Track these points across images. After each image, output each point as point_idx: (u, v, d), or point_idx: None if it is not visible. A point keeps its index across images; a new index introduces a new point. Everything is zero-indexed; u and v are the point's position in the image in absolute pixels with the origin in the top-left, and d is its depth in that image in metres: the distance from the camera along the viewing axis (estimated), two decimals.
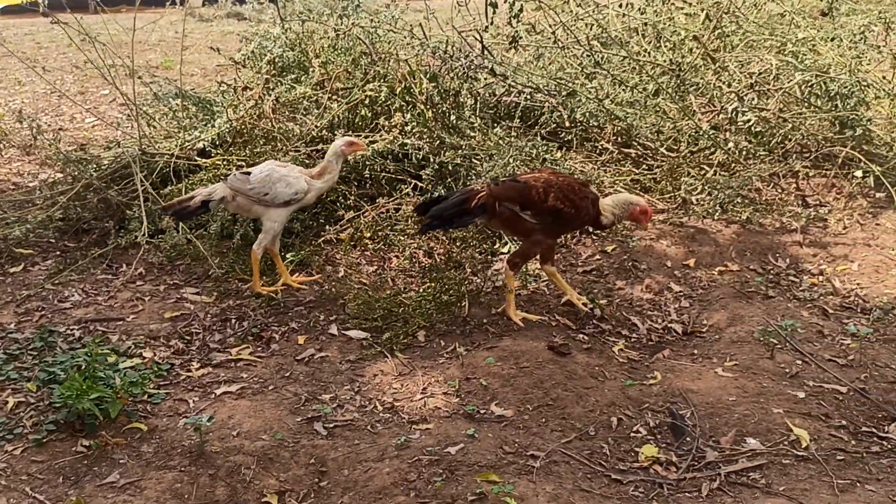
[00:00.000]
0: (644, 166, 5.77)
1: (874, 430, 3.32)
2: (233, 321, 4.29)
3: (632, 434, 3.33)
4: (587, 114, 5.71)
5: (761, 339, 3.82)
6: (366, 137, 5.19)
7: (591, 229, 4.66)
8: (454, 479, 2.97)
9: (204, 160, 5.26)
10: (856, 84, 5.51)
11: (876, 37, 6.32)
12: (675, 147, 5.77)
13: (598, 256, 4.97)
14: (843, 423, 3.35)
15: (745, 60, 5.86)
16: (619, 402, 3.49)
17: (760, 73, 5.63)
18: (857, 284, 4.64)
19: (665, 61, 5.93)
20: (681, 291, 4.62)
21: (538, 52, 5.60)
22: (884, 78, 6.16)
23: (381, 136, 5.10)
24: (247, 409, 3.41)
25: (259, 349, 4.02)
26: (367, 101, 5.35)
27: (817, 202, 5.76)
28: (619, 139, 5.91)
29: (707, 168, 5.62)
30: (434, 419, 3.38)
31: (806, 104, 5.81)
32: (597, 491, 2.96)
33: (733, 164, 5.58)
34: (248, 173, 4.40)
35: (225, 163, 5.18)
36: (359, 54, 5.77)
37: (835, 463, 3.08)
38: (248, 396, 3.56)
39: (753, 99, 5.49)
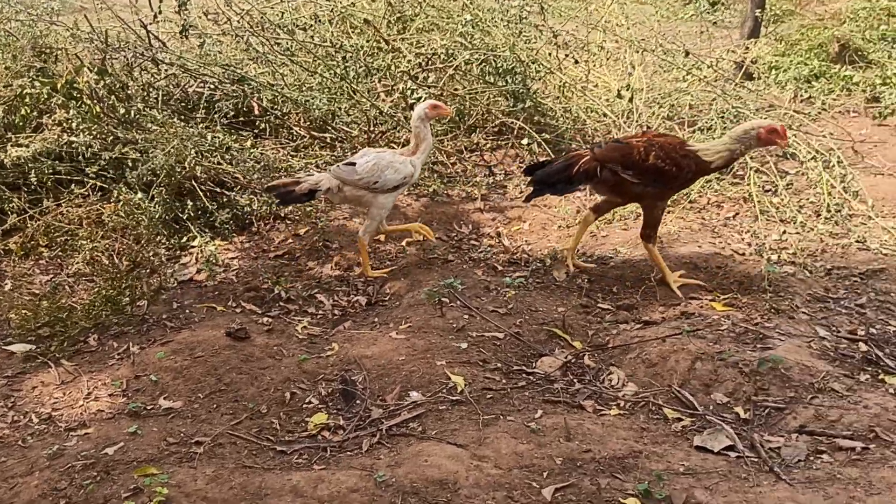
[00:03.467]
0: (339, 149, 5.90)
1: (524, 367, 3.66)
2: None
3: (304, 406, 3.39)
4: (275, 101, 5.72)
5: (429, 300, 4.05)
6: (26, 138, 4.81)
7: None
8: (109, 479, 2.85)
9: None
10: (518, 61, 6.00)
11: (543, 18, 6.95)
12: (369, 129, 5.96)
13: (290, 240, 5.00)
14: (499, 365, 3.66)
15: (418, 42, 6.16)
16: (294, 378, 3.54)
17: (435, 54, 5.95)
18: (525, 241, 5.08)
19: (352, 46, 6.09)
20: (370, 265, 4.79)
21: (202, 39, 5.50)
22: (549, 54, 6.78)
23: (42, 135, 4.76)
24: None
25: None
26: (27, 100, 4.95)
27: (502, 171, 6.22)
28: (314, 124, 5.99)
29: (395, 146, 5.85)
30: (95, 423, 3.23)
31: (481, 81, 6.24)
32: (260, 465, 2.98)
33: None
34: (353, 164, 4.40)
35: None
36: (18, 49, 5.33)
37: (484, 402, 3.35)
38: None
39: (428, 78, 5.79)
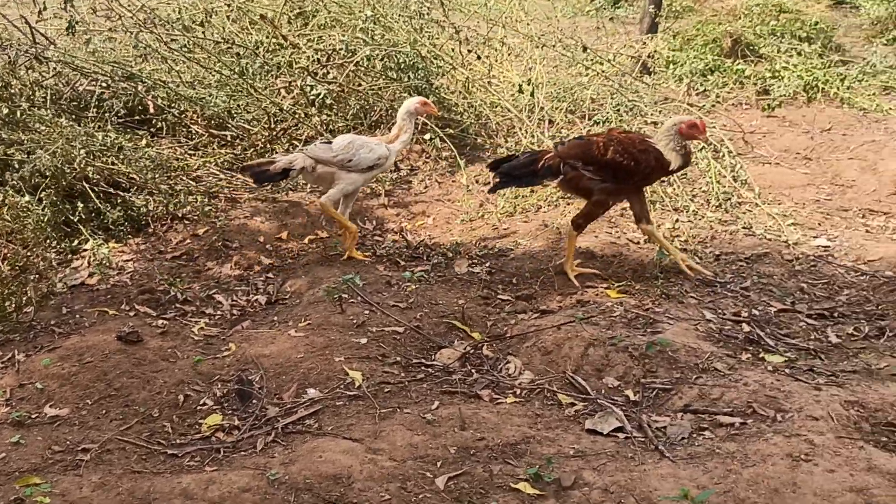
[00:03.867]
0: (239, 147, 5.80)
1: (423, 360, 3.68)
2: None
3: (198, 408, 3.34)
4: (171, 99, 5.59)
5: (328, 297, 4.03)
6: None
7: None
8: None
9: None
10: (419, 56, 6.02)
11: (445, 14, 6.99)
12: (270, 126, 5.88)
13: (188, 241, 4.90)
14: (398, 359, 3.68)
15: (319, 38, 6.11)
16: (188, 380, 3.48)
17: (336, 50, 5.91)
18: (429, 236, 5.12)
19: (250, 42, 5.99)
20: (270, 264, 4.74)
21: (88, 36, 5.33)
22: (453, 50, 6.83)
23: None
24: None
25: None
26: None
27: (409, 167, 6.24)
28: (212, 122, 5.87)
29: (298, 143, 5.80)
30: None
31: (383, 77, 6.24)
32: (150, 470, 2.92)
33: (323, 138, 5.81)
34: (329, 142, 4.58)
35: None
36: None
37: (382, 395, 3.37)
38: None
39: (329, 74, 5.76)
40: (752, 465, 2.77)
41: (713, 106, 7.67)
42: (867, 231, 5.17)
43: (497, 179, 4.45)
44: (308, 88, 5.53)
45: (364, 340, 3.77)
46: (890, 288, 4.26)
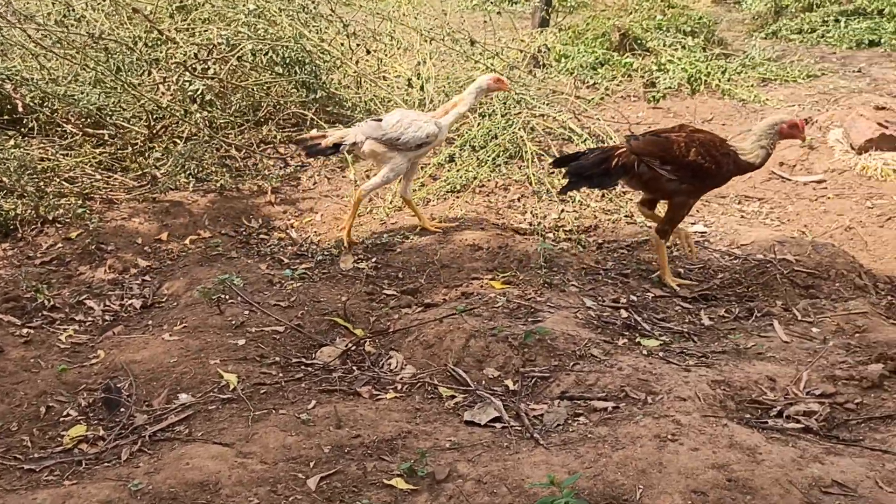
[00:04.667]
0: (116, 146, 5.57)
1: (303, 359, 3.61)
2: None
3: (61, 419, 3.17)
4: (43, 97, 5.32)
5: (205, 298, 3.91)
6: None
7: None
8: None
9: None
10: (304, 51, 5.91)
11: (332, 8, 6.88)
12: (149, 124, 5.66)
13: (60, 245, 4.67)
14: (277, 359, 3.59)
15: (196, 32, 5.92)
16: (51, 390, 3.30)
17: (216, 45, 5.74)
18: (315, 233, 5.03)
19: (125, 37, 5.75)
20: (148, 266, 4.56)
21: None
22: (342, 44, 6.74)
23: None
24: None
25: None
26: None
27: (299, 164, 6.12)
28: (88, 121, 5.62)
29: (179, 141, 5.61)
30: None
31: (269, 72, 6.10)
32: (4, 486, 2.75)
33: (203, 135, 5.63)
34: (380, 119, 4.56)
35: None
36: None
37: (257, 397, 3.28)
38: None
39: (209, 69, 5.59)
40: (621, 447, 2.82)
41: (602, 99, 7.84)
42: (742, 216, 5.38)
43: (567, 180, 4.25)
44: (186, 84, 5.34)
45: (242, 341, 3.67)
46: (760, 270, 4.43)
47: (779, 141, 4.13)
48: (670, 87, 8.15)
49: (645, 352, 3.59)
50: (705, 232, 4.98)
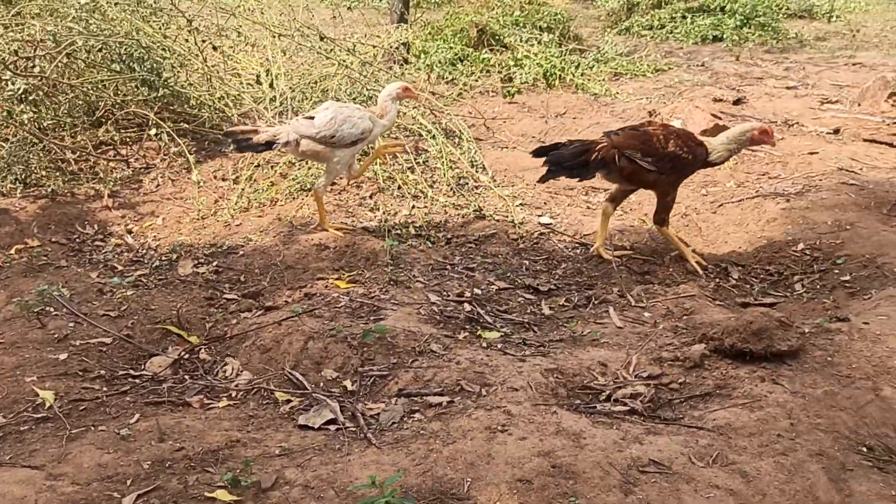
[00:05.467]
0: None
1: (130, 371, 3.44)
2: None
3: None
4: None
5: (23, 311, 3.66)
6: None
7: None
8: None
9: None
10: (140, 46, 5.65)
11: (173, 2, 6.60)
12: None
13: None
14: (102, 372, 3.40)
15: (20, 27, 5.56)
16: None
17: (43, 41, 5.39)
18: (155, 237, 4.82)
19: None
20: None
21: None
22: (186, 41, 6.48)
23: None
24: None
25: None
26: None
27: (144, 165, 5.84)
28: None
29: (4, 144, 5.24)
30: None
31: (105, 70, 5.79)
32: None
33: (28, 137, 5.28)
34: (312, 118, 4.44)
35: None
36: None
37: (76, 414, 3.09)
38: None
39: (34, 67, 5.25)
40: (452, 441, 2.82)
41: (459, 94, 7.92)
42: (588, 207, 5.53)
43: (546, 169, 4.36)
44: (7, 84, 4.99)
45: (64, 356, 3.46)
46: (599, 259, 4.56)
47: (748, 146, 4.48)
48: (526, 83, 8.32)
49: (484, 344, 3.62)
50: (551, 223, 5.08)
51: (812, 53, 10.58)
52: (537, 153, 4.48)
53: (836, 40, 11.57)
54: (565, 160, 4.31)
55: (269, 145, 4.49)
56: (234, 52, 6.70)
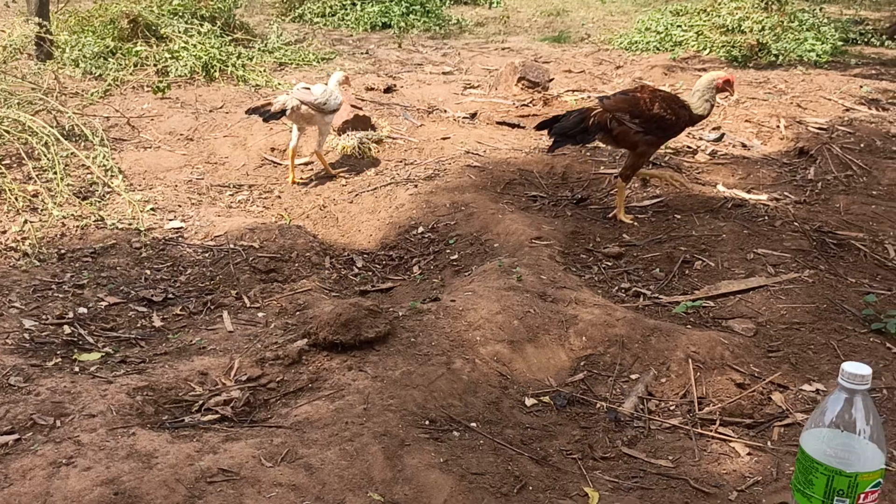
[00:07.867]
0: None
1: None
2: None
3: None
4: None
5: None
6: None
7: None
8: None
9: None
10: None
11: None
12: None
13: None
14: None
15: None
16: None
17: None
18: None
19: None
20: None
21: None
22: None
23: None
24: None
25: None
26: None
27: None
28: None
29: None
30: None
31: None
32: None
33: None
34: (308, 88, 5.59)
35: None
36: None
37: None
38: None
39: None
40: (9, 485, 2.63)
41: (107, 91, 7.44)
42: (228, 207, 5.46)
43: (552, 140, 4.72)
44: None
45: None
46: (227, 261, 4.53)
47: (716, 95, 4.70)
48: (182, 76, 8.02)
49: (77, 369, 3.43)
50: (182, 227, 4.95)
51: (469, 39, 11.34)
52: (540, 127, 4.88)
53: (492, 26, 12.50)
54: (568, 129, 4.67)
55: (283, 112, 5.44)
56: None
